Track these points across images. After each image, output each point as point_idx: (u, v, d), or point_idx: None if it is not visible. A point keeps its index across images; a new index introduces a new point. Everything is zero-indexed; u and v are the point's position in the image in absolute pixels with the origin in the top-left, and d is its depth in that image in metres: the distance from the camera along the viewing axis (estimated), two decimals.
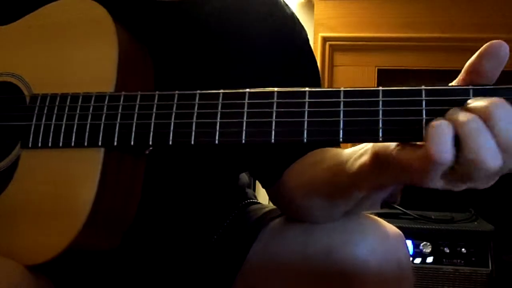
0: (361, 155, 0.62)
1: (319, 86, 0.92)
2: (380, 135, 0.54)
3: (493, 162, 0.47)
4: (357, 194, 0.68)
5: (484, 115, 0.48)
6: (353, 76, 2.06)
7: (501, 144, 0.47)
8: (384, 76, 2.06)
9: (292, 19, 0.90)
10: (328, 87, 2.12)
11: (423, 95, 0.53)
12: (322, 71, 2.04)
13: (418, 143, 0.52)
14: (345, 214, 0.76)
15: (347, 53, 2.08)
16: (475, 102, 0.49)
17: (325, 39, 2.07)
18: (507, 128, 0.47)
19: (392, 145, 0.55)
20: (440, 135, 0.48)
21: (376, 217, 0.79)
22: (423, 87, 0.53)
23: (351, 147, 0.68)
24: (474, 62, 0.52)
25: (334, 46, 2.07)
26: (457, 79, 0.54)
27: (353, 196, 0.69)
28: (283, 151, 0.81)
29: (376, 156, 0.58)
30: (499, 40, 0.50)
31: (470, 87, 0.52)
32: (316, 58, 0.92)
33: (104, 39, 0.71)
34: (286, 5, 0.92)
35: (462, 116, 0.49)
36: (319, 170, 0.75)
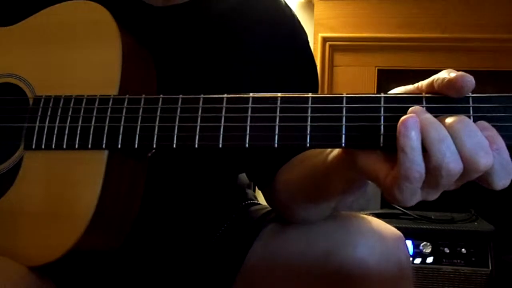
0: (332, 150, 0.64)
1: (317, 88, 0.92)
2: (381, 141, 0.54)
3: (455, 165, 0.49)
4: (333, 189, 0.68)
5: (450, 129, 0.50)
6: (353, 76, 2.06)
7: (462, 152, 0.50)
8: (384, 76, 2.06)
9: (293, 20, 0.91)
10: (328, 88, 2.11)
11: (424, 102, 0.54)
12: (322, 71, 2.04)
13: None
14: (328, 213, 0.77)
15: (347, 53, 2.07)
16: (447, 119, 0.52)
17: (325, 39, 2.06)
18: (466, 139, 0.50)
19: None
20: (412, 157, 0.50)
21: (375, 218, 0.80)
22: (424, 94, 0.54)
23: None
24: (442, 88, 0.53)
25: (334, 46, 2.07)
26: (419, 86, 0.56)
27: (330, 192, 0.70)
28: (277, 154, 0.81)
29: (344, 152, 0.60)
30: (471, 80, 0.52)
31: (470, 95, 0.53)
32: (316, 58, 0.93)
33: (108, 41, 0.71)
34: (287, 6, 0.92)
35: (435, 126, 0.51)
36: (300, 168, 0.76)
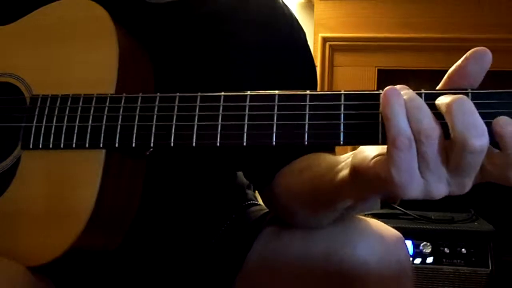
0: (342, 169, 0.63)
1: (316, 87, 0.92)
2: (380, 138, 0.54)
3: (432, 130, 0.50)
4: (340, 205, 0.68)
5: (446, 105, 0.50)
6: (353, 76, 2.06)
7: (453, 128, 0.49)
8: (384, 76, 2.06)
9: (291, 20, 0.90)
10: (328, 87, 2.11)
11: (423, 98, 0.54)
12: (322, 71, 2.03)
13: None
14: (333, 221, 0.76)
15: (347, 53, 2.07)
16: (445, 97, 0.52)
17: (325, 39, 2.06)
18: (459, 116, 0.49)
19: (369, 155, 0.55)
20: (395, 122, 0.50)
21: (375, 219, 0.79)
22: (422, 90, 0.54)
23: (351, 149, 0.68)
24: (460, 65, 0.53)
25: (334, 46, 2.07)
26: (441, 83, 0.55)
27: (336, 207, 0.69)
28: (275, 154, 0.81)
29: (354, 170, 0.58)
30: (484, 48, 0.52)
31: (469, 90, 0.53)
32: (316, 58, 0.92)
33: (104, 40, 0.71)
34: (285, 5, 0.92)
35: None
36: (304, 178, 0.75)
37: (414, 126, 0.50)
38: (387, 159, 0.51)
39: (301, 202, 0.75)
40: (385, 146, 0.52)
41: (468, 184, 0.52)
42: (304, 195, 0.75)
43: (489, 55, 0.51)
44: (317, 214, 0.75)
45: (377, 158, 0.54)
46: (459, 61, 0.53)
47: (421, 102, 0.51)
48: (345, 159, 0.63)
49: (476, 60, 0.52)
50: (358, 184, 0.59)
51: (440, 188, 0.52)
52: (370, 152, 0.56)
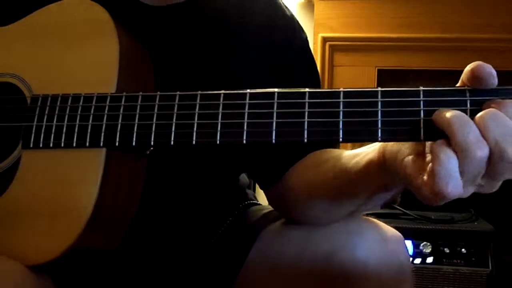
0: (369, 152, 0.63)
1: (319, 88, 0.92)
2: (379, 135, 0.54)
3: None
4: (361, 194, 0.68)
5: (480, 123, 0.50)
6: (353, 76, 2.06)
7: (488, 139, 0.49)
8: (384, 76, 2.06)
9: (292, 21, 0.91)
10: (328, 87, 2.12)
11: (421, 95, 0.54)
12: (322, 71, 2.03)
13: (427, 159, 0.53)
14: (347, 215, 0.76)
15: (347, 53, 2.07)
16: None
17: (325, 39, 2.06)
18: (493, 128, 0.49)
19: (403, 152, 0.55)
20: (447, 170, 0.50)
21: (375, 220, 0.79)
22: (421, 88, 0.54)
23: (351, 147, 0.68)
24: (464, 79, 0.53)
25: (334, 46, 2.07)
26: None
27: (356, 196, 0.69)
28: (283, 152, 0.81)
29: (383, 155, 0.59)
30: (477, 66, 0.52)
31: (466, 87, 0.53)
32: (316, 58, 0.93)
33: (105, 39, 0.71)
34: (286, 7, 0.92)
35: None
36: (322, 170, 0.75)
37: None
38: (429, 174, 0.51)
39: (321, 194, 0.75)
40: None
41: (499, 184, 0.54)
42: (324, 186, 0.74)
43: (484, 70, 0.51)
44: (335, 205, 0.74)
45: (409, 158, 0.54)
46: (464, 75, 0.53)
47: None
48: (370, 146, 0.63)
49: (477, 80, 0.52)
50: (384, 168, 0.59)
51: (471, 190, 0.54)
52: (401, 145, 0.56)
